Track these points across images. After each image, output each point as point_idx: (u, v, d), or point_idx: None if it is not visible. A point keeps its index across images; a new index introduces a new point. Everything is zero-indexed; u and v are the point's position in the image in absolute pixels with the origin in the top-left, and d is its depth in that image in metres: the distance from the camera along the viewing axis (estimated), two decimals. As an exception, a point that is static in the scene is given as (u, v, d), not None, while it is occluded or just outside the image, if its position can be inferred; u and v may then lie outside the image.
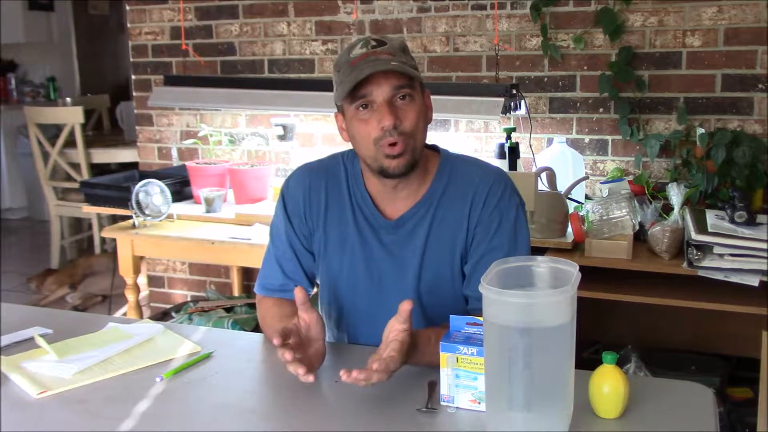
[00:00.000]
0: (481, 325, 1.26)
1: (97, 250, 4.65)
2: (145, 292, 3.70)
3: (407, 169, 1.48)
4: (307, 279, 1.65)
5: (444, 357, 1.28)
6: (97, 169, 4.78)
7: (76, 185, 4.37)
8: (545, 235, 2.46)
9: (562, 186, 2.63)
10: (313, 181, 1.62)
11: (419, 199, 1.56)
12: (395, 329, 1.34)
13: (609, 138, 2.88)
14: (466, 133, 3.06)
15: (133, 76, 3.66)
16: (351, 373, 1.26)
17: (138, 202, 2.83)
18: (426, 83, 1.56)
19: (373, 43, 1.46)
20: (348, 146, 1.60)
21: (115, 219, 3.84)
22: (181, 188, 3.12)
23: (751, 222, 2.26)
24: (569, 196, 2.63)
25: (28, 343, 1.61)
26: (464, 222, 1.54)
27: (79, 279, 4.27)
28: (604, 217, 2.40)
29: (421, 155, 1.53)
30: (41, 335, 1.61)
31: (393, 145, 1.45)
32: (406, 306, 1.32)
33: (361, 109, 1.46)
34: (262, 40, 3.35)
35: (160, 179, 2.93)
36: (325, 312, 1.69)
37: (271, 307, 1.64)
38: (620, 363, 2.01)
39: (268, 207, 2.94)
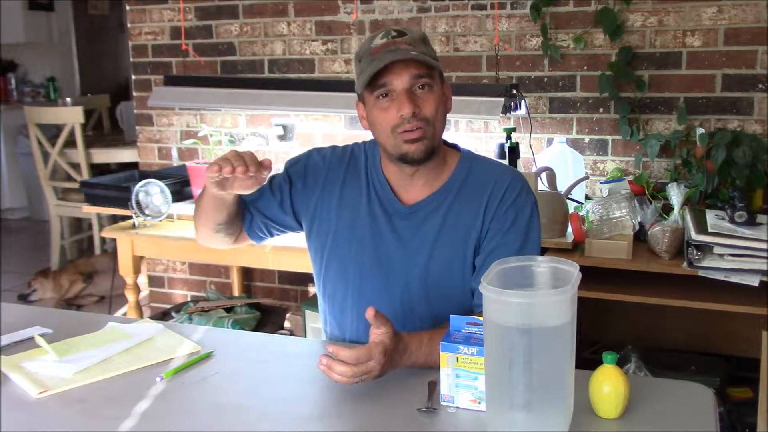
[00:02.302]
0: (481, 324, 1.26)
1: (97, 250, 4.64)
2: (145, 292, 3.70)
3: (426, 155, 1.51)
4: (249, 214, 1.66)
5: (444, 357, 1.28)
6: (97, 169, 4.78)
7: (76, 185, 4.37)
8: (545, 235, 2.45)
9: (562, 186, 2.63)
10: (334, 164, 1.65)
11: (436, 189, 1.58)
12: (373, 333, 1.35)
13: (609, 138, 2.88)
14: (466, 133, 3.06)
15: (133, 76, 3.66)
16: (321, 359, 1.31)
17: (138, 202, 2.83)
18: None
19: (394, 33, 1.49)
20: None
21: (115, 219, 3.83)
22: (181, 188, 3.11)
23: (751, 222, 2.26)
24: (569, 196, 2.63)
25: (28, 343, 1.61)
26: (480, 215, 1.55)
27: (89, 274, 4.26)
28: (604, 217, 2.40)
29: (440, 143, 1.56)
30: (41, 335, 1.61)
31: (412, 130, 1.47)
32: (369, 312, 1.33)
33: (381, 98, 1.49)
34: (262, 40, 3.35)
35: (160, 179, 2.93)
36: (329, 295, 1.68)
37: None
38: (620, 363, 2.01)
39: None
